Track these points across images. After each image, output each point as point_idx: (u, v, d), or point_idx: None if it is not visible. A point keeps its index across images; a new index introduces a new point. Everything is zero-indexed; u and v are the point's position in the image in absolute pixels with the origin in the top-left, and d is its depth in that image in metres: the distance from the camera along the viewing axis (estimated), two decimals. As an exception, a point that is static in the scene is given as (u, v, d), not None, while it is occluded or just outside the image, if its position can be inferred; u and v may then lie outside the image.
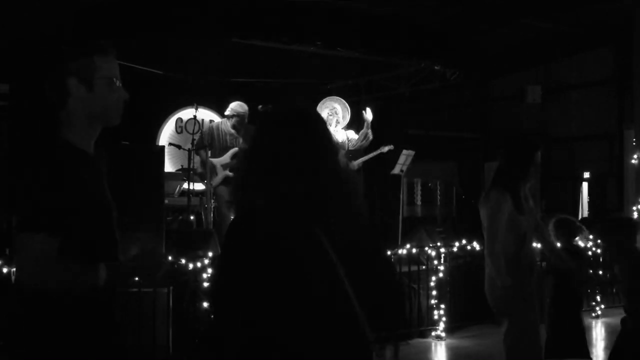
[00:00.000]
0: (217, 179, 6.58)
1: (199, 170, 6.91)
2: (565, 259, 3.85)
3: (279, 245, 1.75)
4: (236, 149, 6.62)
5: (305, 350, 1.73)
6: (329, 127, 6.71)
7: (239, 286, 1.76)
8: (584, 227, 4.39)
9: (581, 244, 4.91)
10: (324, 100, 7.01)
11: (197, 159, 6.93)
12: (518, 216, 3.47)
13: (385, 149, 7.14)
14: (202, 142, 6.72)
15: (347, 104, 7.06)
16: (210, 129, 6.80)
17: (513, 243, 3.45)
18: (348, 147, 6.75)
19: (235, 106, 6.65)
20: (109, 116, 1.96)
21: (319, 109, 6.92)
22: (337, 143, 6.74)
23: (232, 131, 6.65)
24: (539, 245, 4.82)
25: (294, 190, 1.78)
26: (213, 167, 6.60)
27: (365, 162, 7.17)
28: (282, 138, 1.85)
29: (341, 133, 6.86)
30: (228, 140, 6.66)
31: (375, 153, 7.14)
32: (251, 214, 1.81)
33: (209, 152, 6.65)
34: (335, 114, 6.84)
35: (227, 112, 6.69)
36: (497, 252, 3.42)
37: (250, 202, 1.83)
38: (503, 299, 3.43)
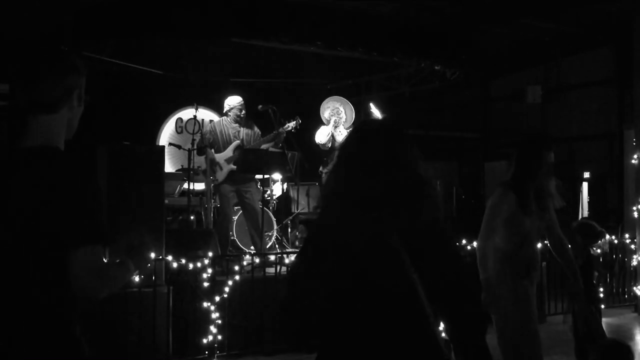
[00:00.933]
0: (221, 174, 6.61)
1: (204, 167, 6.95)
2: (578, 285, 3.77)
3: (355, 248, 1.88)
4: (237, 142, 6.68)
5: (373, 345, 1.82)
6: (331, 127, 6.80)
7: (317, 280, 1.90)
8: (605, 231, 4.39)
9: (598, 250, 4.88)
10: (327, 100, 7.04)
11: (201, 159, 6.97)
12: (522, 216, 3.43)
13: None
14: (203, 142, 6.76)
15: (349, 103, 7.09)
16: (212, 126, 6.89)
17: (510, 242, 3.43)
18: None
19: (229, 100, 6.82)
20: (73, 131, 1.98)
21: (321, 108, 6.95)
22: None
23: (235, 125, 6.77)
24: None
25: (382, 196, 1.91)
26: (217, 162, 6.63)
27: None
28: (377, 149, 1.99)
29: (344, 131, 6.88)
30: (231, 135, 6.75)
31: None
32: (336, 216, 1.96)
33: (213, 150, 6.70)
34: (337, 114, 6.88)
35: (225, 109, 6.84)
36: (489, 248, 3.40)
37: (337, 206, 1.98)
38: (490, 297, 3.40)
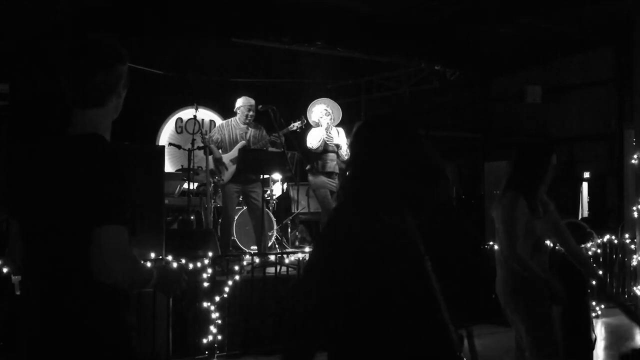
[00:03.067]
0: (227, 174, 6.62)
1: (211, 167, 6.95)
2: (591, 267, 3.78)
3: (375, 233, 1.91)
4: (244, 142, 6.68)
5: (388, 334, 1.85)
6: (323, 128, 6.77)
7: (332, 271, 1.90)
8: (593, 232, 4.38)
9: (590, 248, 4.88)
10: (314, 102, 6.95)
11: (201, 159, 6.98)
12: (533, 220, 3.44)
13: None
14: (208, 141, 6.77)
15: (336, 103, 7.04)
16: (220, 126, 6.90)
17: (526, 247, 3.43)
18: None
19: (240, 100, 6.80)
20: (119, 112, 2.03)
21: (309, 111, 6.88)
22: (338, 144, 6.75)
23: (242, 126, 6.77)
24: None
25: (398, 186, 1.96)
26: (223, 162, 6.65)
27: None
28: (389, 142, 2.02)
29: (335, 131, 6.83)
30: (238, 135, 6.76)
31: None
32: (355, 203, 1.98)
33: (220, 150, 6.71)
34: (328, 115, 6.79)
35: (236, 107, 6.82)
36: (519, 253, 3.38)
37: (356, 192, 2.01)
38: (514, 297, 3.43)
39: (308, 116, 6.90)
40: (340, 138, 6.78)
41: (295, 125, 6.85)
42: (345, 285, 1.87)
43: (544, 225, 3.53)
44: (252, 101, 6.76)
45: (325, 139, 6.70)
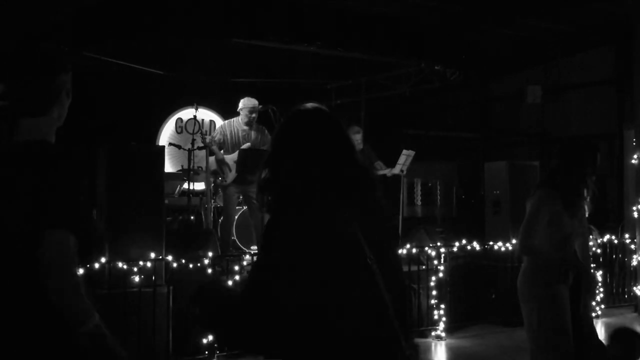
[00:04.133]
0: (230, 175, 6.61)
1: (213, 168, 6.93)
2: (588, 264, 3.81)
3: (320, 229, 1.82)
4: (248, 144, 6.65)
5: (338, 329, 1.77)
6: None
7: (278, 267, 1.81)
8: (592, 227, 4.38)
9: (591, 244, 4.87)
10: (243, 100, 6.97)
11: (202, 159, 6.96)
12: (565, 217, 3.44)
13: (390, 172, 7.35)
14: (209, 141, 6.75)
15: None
16: (222, 127, 6.87)
17: (551, 241, 3.44)
18: None
19: (243, 101, 6.76)
20: (62, 120, 2.03)
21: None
22: None
23: (245, 127, 6.74)
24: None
25: (328, 180, 1.86)
26: (226, 164, 6.63)
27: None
28: (315, 134, 1.93)
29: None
30: (240, 136, 6.72)
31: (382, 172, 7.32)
32: (291, 203, 1.87)
33: (222, 151, 6.69)
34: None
35: (238, 108, 6.77)
36: (535, 246, 3.42)
37: (288, 190, 1.90)
38: (525, 297, 3.44)
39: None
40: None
41: None
42: (296, 294, 1.77)
43: (577, 225, 3.52)
44: (255, 102, 6.72)
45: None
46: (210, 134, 6.97)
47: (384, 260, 1.88)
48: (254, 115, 6.67)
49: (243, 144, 6.66)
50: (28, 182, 1.79)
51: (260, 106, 6.70)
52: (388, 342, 1.81)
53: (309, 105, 2.02)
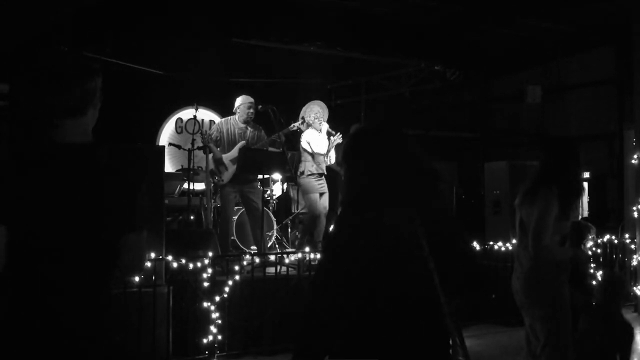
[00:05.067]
0: (227, 174, 6.61)
1: (211, 167, 6.92)
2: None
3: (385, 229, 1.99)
4: (243, 142, 6.68)
5: (387, 325, 1.91)
6: (315, 130, 6.86)
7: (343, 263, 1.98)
8: (590, 224, 4.37)
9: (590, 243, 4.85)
10: (308, 105, 7.01)
11: (202, 159, 6.96)
12: (562, 219, 3.41)
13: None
14: (207, 139, 6.76)
15: (324, 104, 7.14)
16: (219, 124, 6.90)
17: (552, 242, 3.42)
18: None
19: (239, 99, 6.81)
20: (95, 121, 2.21)
21: (304, 113, 6.95)
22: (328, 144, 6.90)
23: (242, 125, 6.77)
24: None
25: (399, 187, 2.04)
26: (223, 163, 6.63)
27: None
28: (384, 149, 2.11)
29: (324, 135, 6.92)
30: (237, 134, 6.74)
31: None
32: (358, 208, 2.06)
33: (219, 149, 6.70)
34: (320, 117, 6.90)
35: (235, 106, 6.82)
36: (549, 246, 3.38)
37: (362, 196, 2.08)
38: (528, 293, 3.43)
39: (305, 116, 6.93)
40: (329, 140, 6.91)
41: (296, 125, 6.86)
42: (354, 287, 1.93)
43: (569, 224, 3.52)
44: (251, 99, 6.77)
45: (318, 137, 6.86)
46: (208, 132, 6.98)
47: (451, 250, 2.01)
48: (251, 111, 6.71)
49: (239, 142, 6.69)
50: (100, 188, 2.02)
51: (260, 106, 6.71)
52: (436, 337, 1.92)
53: (372, 125, 2.36)
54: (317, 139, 6.84)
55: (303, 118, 6.93)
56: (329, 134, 6.88)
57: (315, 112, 6.89)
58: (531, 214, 3.43)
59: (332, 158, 6.94)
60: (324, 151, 6.83)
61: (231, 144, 6.70)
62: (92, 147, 2.08)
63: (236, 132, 6.75)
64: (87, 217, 1.98)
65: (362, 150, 2.14)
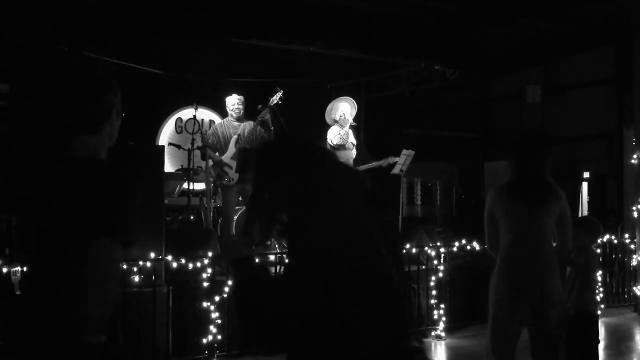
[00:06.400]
0: (233, 173, 6.65)
1: (217, 171, 6.91)
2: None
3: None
4: (236, 136, 6.81)
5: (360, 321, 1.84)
6: (341, 128, 7.04)
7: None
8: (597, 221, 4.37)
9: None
10: (334, 102, 7.25)
11: (209, 162, 6.99)
12: None
13: (389, 161, 7.45)
14: (205, 142, 6.80)
15: (354, 102, 7.39)
16: (214, 128, 6.98)
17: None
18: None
19: (227, 100, 6.96)
20: (114, 141, 2.22)
21: (331, 112, 7.16)
22: (353, 143, 7.24)
23: (236, 124, 6.85)
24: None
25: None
26: (225, 164, 6.66)
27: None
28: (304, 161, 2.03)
29: (351, 133, 7.14)
30: (232, 133, 6.84)
31: (377, 164, 7.44)
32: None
33: (217, 153, 6.75)
34: (346, 116, 7.15)
35: (227, 108, 6.95)
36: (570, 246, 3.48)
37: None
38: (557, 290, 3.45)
39: (332, 113, 7.21)
40: (351, 138, 7.25)
41: (275, 99, 6.82)
42: (324, 290, 1.83)
43: None
44: (237, 95, 6.92)
45: (343, 137, 7.14)
46: (205, 137, 7.02)
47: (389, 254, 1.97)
48: (236, 106, 6.81)
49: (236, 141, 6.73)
50: (85, 195, 1.97)
51: (260, 106, 6.75)
52: (401, 334, 1.90)
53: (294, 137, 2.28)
54: (341, 134, 7.12)
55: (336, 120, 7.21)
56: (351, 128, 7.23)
57: (341, 112, 7.20)
58: (555, 211, 3.43)
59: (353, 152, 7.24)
60: (347, 146, 7.13)
61: (229, 145, 6.75)
62: (89, 162, 2.05)
63: (231, 132, 6.82)
64: (71, 220, 1.98)
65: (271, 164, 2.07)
